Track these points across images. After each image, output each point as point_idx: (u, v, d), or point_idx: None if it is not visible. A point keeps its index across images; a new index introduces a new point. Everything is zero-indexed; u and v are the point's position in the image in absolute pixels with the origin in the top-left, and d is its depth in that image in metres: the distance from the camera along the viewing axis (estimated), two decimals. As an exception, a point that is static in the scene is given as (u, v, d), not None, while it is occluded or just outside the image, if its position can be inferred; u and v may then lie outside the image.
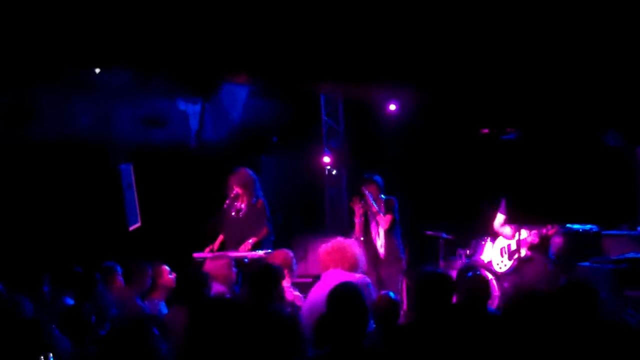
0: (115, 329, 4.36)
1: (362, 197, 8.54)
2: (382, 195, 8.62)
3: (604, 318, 4.69)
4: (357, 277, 5.86)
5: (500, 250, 8.74)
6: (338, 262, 6.03)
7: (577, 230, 8.52)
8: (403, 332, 4.77)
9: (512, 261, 8.56)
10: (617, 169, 9.12)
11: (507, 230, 8.68)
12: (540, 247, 8.37)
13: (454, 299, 5.80)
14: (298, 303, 6.11)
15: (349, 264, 6.02)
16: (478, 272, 5.72)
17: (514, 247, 8.47)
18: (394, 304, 5.42)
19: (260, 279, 5.44)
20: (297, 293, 6.30)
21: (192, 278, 5.74)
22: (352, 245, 6.19)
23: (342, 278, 5.65)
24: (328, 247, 6.15)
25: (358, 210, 8.58)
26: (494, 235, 8.87)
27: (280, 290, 5.63)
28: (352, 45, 7.84)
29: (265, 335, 3.69)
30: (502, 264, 8.69)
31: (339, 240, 6.24)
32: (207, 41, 7.67)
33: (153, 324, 3.88)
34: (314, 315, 5.17)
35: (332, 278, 5.78)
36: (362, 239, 8.66)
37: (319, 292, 5.70)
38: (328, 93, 10.88)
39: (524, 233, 8.38)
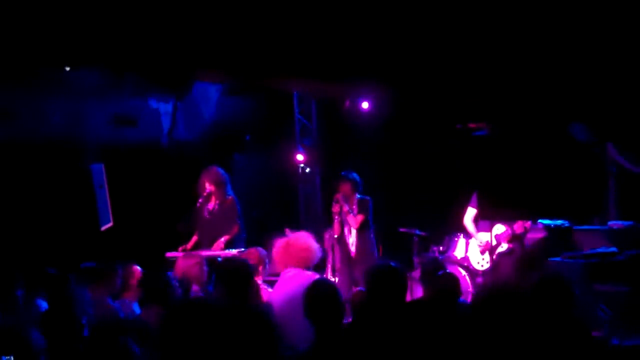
0: (92, 333, 4.32)
1: (337, 200, 8.61)
2: (358, 195, 8.65)
3: (577, 313, 4.74)
4: (308, 274, 5.84)
5: (479, 248, 8.70)
6: (290, 261, 6.02)
7: (549, 226, 8.59)
8: (353, 329, 4.77)
9: (493, 257, 8.50)
10: (588, 164, 9.23)
11: (473, 228, 8.71)
12: (520, 240, 8.41)
13: (422, 295, 5.86)
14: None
15: (301, 261, 5.99)
16: (448, 270, 5.77)
17: (493, 243, 8.47)
18: None
19: (234, 277, 5.41)
20: (270, 290, 6.29)
21: (155, 279, 5.70)
22: (299, 240, 6.12)
23: (298, 276, 5.69)
24: (277, 247, 6.12)
25: (333, 209, 8.65)
26: (468, 233, 8.90)
27: (255, 289, 5.62)
28: (324, 43, 7.85)
29: (240, 334, 3.68)
30: (484, 262, 8.66)
31: (286, 238, 6.21)
32: (178, 40, 7.64)
33: (129, 327, 3.85)
34: (280, 315, 5.20)
35: (289, 277, 5.80)
36: (336, 236, 8.72)
37: (280, 292, 5.71)
38: (300, 91, 10.87)
39: (501, 227, 8.42)
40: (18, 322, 4.83)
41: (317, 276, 5.91)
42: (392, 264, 4.80)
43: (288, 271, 5.87)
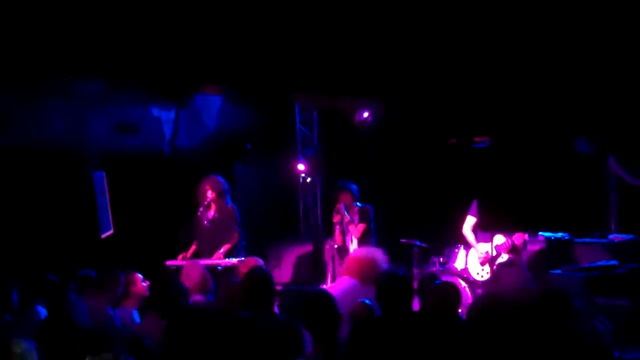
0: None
1: (338, 210, 8.62)
2: (358, 203, 8.65)
3: (577, 327, 4.73)
4: (361, 288, 5.86)
5: (479, 260, 8.63)
6: (352, 271, 6.04)
7: (549, 238, 8.58)
8: (364, 330, 4.81)
9: (493, 268, 8.44)
10: (589, 177, 9.23)
11: (472, 237, 8.64)
12: (520, 251, 8.36)
13: (419, 306, 5.87)
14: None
15: (362, 275, 6.00)
16: (448, 280, 5.76)
17: (493, 253, 8.41)
18: (370, 311, 5.45)
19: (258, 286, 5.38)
20: None
21: (169, 286, 5.67)
22: (372, 258, 6.14)
23: (347, 286, 5.75)
24: (352, 254, 6.18)
25: (334, 219, 8.65)
26: (467, 243, 8.86)
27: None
28: (326, 57, 7.86)
29: (243, 342, 3.67)
30: (484, 272, 8.59)
31: (364, 250, 6.23)
32: (182, 50, 7.65)
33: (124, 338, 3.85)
34: None
35: (339, 284, 5.89)
36: (336, 246, 8.72)
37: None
38: (302, 102, 10.89)
39: (501, 238, 8.37)
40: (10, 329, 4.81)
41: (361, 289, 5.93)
42: (399, 272, 4.85)
43: (343, 279, 5.91)
